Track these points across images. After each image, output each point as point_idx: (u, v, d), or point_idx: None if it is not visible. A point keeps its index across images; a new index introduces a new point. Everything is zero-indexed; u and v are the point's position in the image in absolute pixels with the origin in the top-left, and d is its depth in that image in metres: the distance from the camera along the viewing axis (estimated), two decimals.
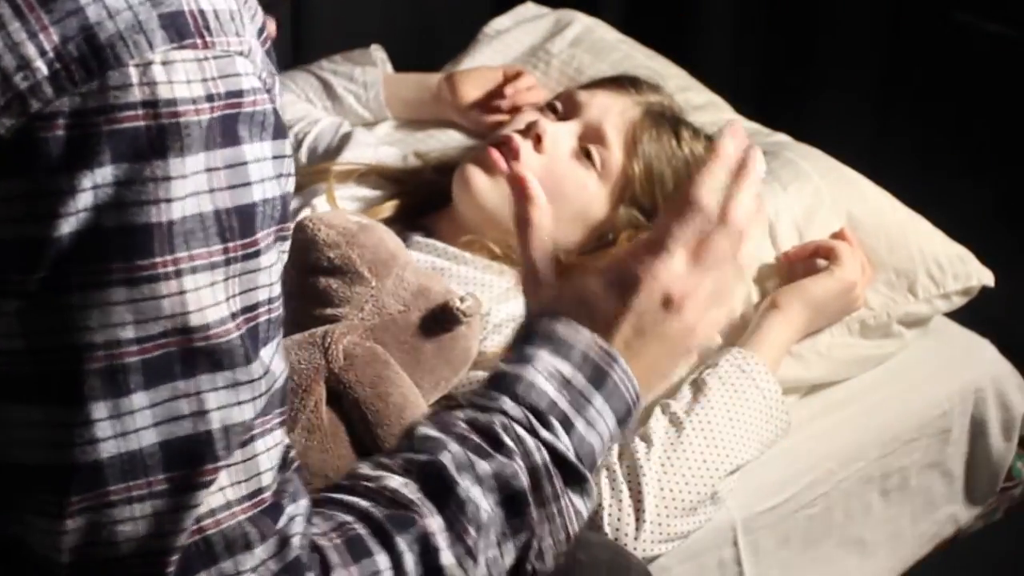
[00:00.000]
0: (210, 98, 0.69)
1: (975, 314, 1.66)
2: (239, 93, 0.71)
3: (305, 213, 1.61)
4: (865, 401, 1.57)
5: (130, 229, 0.68)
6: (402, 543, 0.78)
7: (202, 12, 0.70)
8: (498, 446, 0.82)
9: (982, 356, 1.68)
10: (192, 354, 0.70)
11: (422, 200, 1.66)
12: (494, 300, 1.47)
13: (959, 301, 1.60)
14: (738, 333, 1.47)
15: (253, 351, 0.73)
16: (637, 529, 1.29)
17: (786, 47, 2.47)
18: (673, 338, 0.87)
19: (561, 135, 1.56)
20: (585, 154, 1.55)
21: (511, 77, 1.82)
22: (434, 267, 1.50)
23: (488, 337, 1.44)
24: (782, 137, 1.77)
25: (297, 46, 2.10)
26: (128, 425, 0.69)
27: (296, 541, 0.75)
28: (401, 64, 1.93)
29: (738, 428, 1.35)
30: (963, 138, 2.32)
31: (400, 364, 1.29)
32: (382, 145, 1.78)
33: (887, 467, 1.57)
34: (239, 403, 0.73)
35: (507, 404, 0.83)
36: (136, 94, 0.67)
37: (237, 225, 0.71)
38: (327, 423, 1.25)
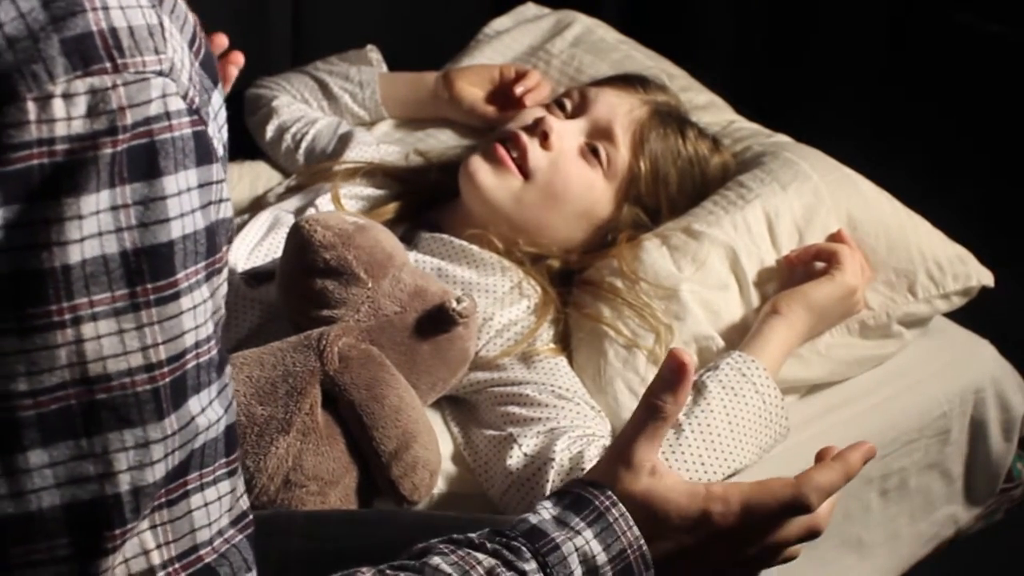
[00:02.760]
0: (114, 131, 0.64)
1: (975, 314, 1.65)
2: (154, 119, 0.65)
3: (309, 213, 1.61)
4: (865, 402, 1.57)
5: (20, 275, 0.63)
6: None
7: (113, 31, 0.64)
8: None
9: (982, 356, 1.67)
10: (94, 408, 0.66)
11: (427, 197, 1.66)
12: (496, 304, 1.46)
13: (959, 301, 1.59)
14: (739, 336, 1.47)
15: (172, 403, 0.68)
16: None
17: (786, 47, 2.46)
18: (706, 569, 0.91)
19: (568, 133, 1.56)
20: (592, 152, 1.55)
21: (519, 75, 1.82)
22: (438, 269, 1.50)
23: (490, 342, 1.43)
24: (782, 137, 1.77)
25: (297, 46, 2.10)
26: (25, 484, 0.65)
27: None
28: (401, 65, 1.93)
29: (737, 432, 1.34)
30: (963, 138, 2.32)
31: (396, 366, 1.29)
32: (383, 144, 1.78)
33: (886, 467, 1.56)
34: (152, 463, 0.68)
35: (530, 567, 0.84)
36: (32, 132, 0.62)
37: (148, 267, 0.66)
38: (323, 426, 1.24)
